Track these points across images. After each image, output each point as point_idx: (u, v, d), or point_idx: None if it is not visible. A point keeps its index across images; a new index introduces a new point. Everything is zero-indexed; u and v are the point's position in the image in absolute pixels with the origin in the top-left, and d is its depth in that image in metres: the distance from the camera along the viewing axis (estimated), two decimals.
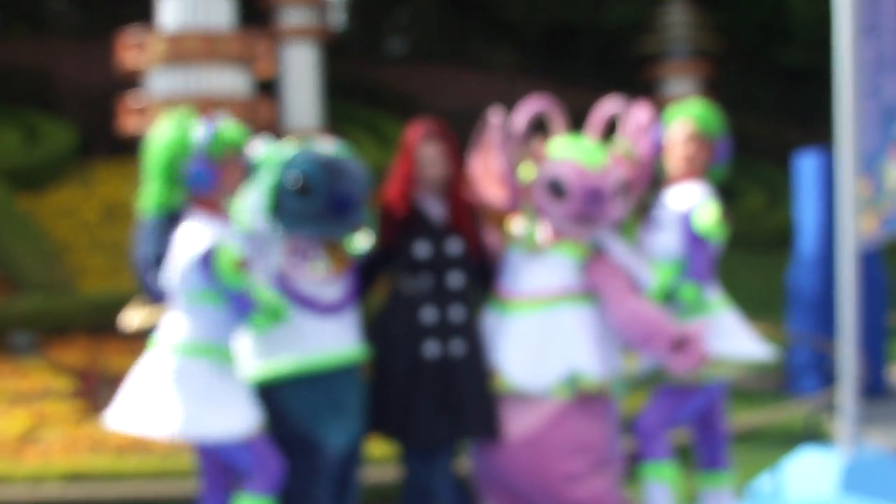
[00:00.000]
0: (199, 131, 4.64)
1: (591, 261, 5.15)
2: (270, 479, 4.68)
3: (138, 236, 4.74)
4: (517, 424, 5.12)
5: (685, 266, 5.13)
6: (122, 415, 4.64)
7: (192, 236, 4.57)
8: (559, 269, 5.16)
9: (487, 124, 5.25)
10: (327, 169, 4.93)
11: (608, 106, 5.40)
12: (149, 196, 4.72)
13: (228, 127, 4.70)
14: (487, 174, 5.33)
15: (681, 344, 4.84)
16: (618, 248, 5.21)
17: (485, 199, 5.36)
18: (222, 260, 4.46)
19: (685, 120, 5.19)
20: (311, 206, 4.91)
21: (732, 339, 5.17)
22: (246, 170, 4.77)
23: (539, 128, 5.27)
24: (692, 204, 5.11)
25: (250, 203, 4.90)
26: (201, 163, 4.55)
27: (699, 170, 5.23)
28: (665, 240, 5.20)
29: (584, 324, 5.11)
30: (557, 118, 5.37)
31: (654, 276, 5.14)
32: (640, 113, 5.26)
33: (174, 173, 4.60)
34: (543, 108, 5.29)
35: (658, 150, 5.26)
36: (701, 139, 5.18)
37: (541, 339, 5.11)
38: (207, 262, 4.47)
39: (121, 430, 4.71)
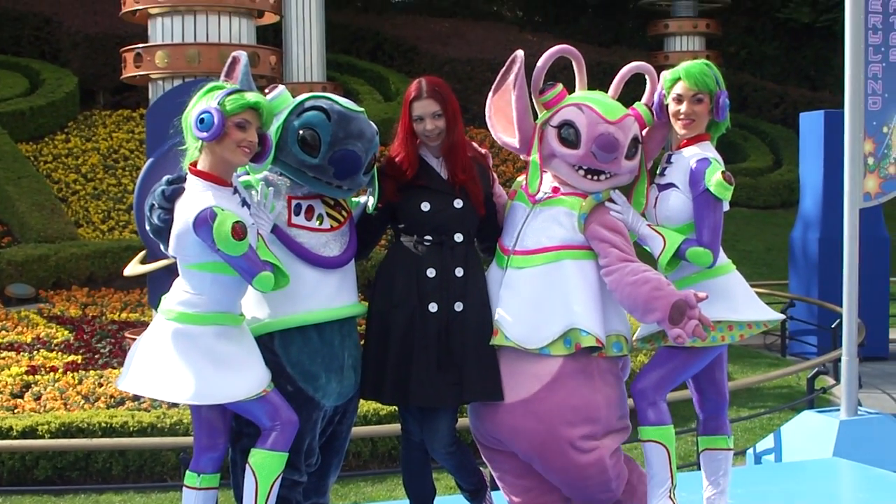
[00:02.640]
0: (225, 86, 4.61)
1: (593, 217, 5.06)
2: (287, 435, 4.68)
3: (140, 193, 4.67)
4: (517, 387, 5.05)
5: (695, 229, 5.05)
6: (136, 378, 4.63)
7: (191, 205, 4.51)
8: (561, 224, 5.08)
9: (506, 65, 5.16)
10: (335, 123, 4.85)
11: (632, 66, 5.32)
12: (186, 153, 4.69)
13: (258, 96, 4.63)
14: (501, 115, 5.25)
15: (680, 313, 4.74)
16: (624, 207, 5.12)
17: (498, 140, 5.29)
18: (220, 227, 4.40)
19: (678, 81, 5.12)
20: (313, 158, 4.83)
21: (740, 303, 5.11)
22: (256, 149, 4.66)
23: (557, 77, 5.17)
24: (700, 166, 5.03)
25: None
26: (213, 109, 4.48)
27: (702, 129, 5.15)
28: (674, 203, 5.12)
29: (585, 280, 5.03)
30: (580, 66, 5.29)
31: (662, 241, 5.05)
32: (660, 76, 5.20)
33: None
34: (568, 52, 5.20)
35: (666, 114, 5.19)
36: (697, 97, 5.10)
37: (540, 295, 5.03)
38: (204, 229, 4.40)
39: (134, 391, 4.70)
